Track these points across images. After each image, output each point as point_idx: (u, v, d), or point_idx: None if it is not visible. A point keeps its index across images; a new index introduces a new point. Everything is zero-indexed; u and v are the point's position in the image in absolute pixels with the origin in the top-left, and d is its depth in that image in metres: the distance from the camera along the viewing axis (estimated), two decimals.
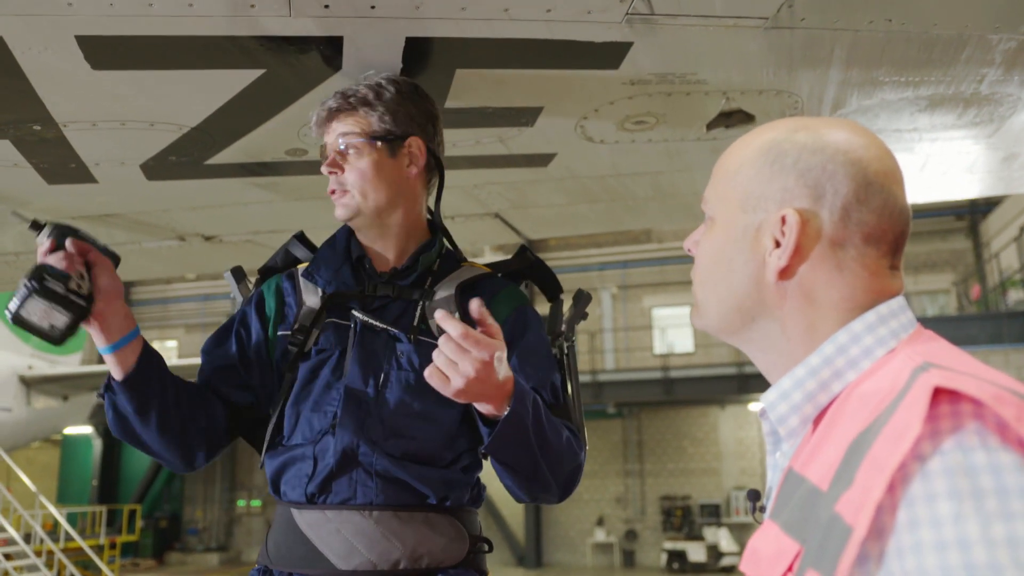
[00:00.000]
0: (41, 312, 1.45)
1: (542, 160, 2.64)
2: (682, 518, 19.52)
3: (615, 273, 21.52)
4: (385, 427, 1.67)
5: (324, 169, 1.76)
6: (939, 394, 0.74)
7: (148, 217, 2.85)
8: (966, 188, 3.52)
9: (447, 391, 1.40)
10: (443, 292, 1.80)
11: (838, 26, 1.96)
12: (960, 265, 19.42)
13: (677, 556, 18.26)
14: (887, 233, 0.93)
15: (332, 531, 1.64)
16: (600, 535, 19.80)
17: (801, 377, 0.93)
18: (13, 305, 1.45)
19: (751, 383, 17.87)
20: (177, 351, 23.59)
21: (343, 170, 1.75)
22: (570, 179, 2.86)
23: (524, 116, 2.27)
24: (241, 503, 22.17)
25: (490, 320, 1.42)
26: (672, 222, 3.46)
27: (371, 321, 1.73)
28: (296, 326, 1.78)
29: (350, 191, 1.75)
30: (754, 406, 19.60)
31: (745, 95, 2.28)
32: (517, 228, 3.42)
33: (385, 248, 1.82)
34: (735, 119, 2.45)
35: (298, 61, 1.87)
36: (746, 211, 0.98)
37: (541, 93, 2.16)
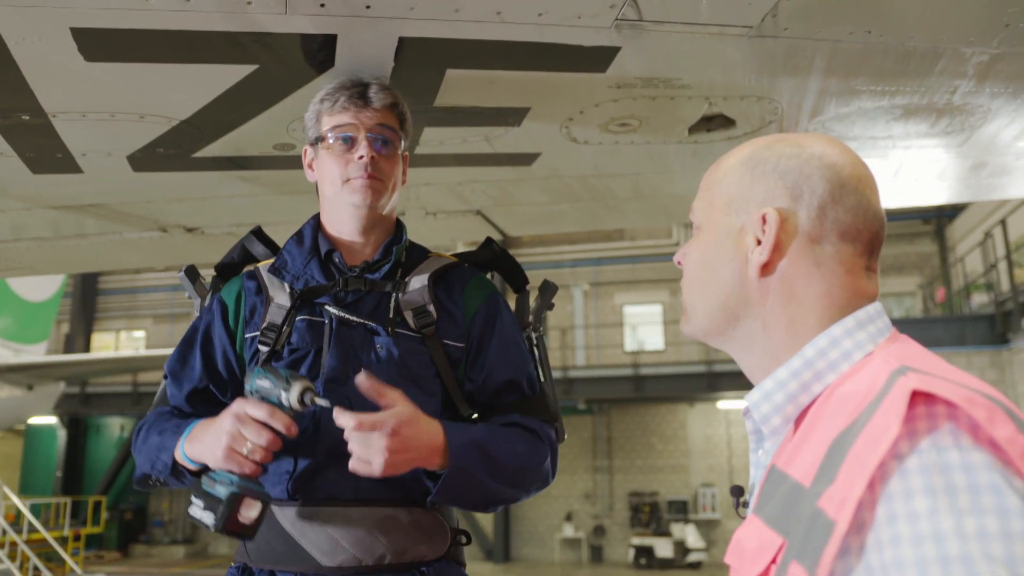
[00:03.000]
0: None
1: (526, 159, 2.68)
2: (650, 514, 19.68)
3: (587, 270, 21.62)
4: None
5: (365, 151, 1.73)
6: (916, 396, 0.79)
7: (131, 208, 2.84)
8: (936, 194, 3.62)
9: (375, 473, 1.47)
10: (416, 283, 1.81)
11: (819, 36, 2.01)
12: (926, 268, 19.77)
13: (644, 552, 18.42)
14: (862, 232, 1.00)
15: (316, 527, 1.63)
16: (568, 530, 19.91)
17: (783, 379, 0.98)
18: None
19: (720, 381, 18.06)
20: (145, 341, 23.35)
21: (382, 159, 1.76)
22: (553, 178, 2.90)
23: (511, 116, 2.31)
24: None
25: (385, 391, 1.51)
26: (650, 222, 3.52)
27: (347, 316, 1.72)
28: (265, 325, 1.75)
29: (383, 180, 1.77)
30: (723, 404, 19.82)
31: (727, 100, 2.33)
32: (498, 225, 3.45)
33: (366, 241, 1.81)
34: (716, 123, 2.51)
35: (291, 58, 1.89)
36: (729, 214, 1.05)
37: (529, 94, 2.20)
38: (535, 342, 2.02)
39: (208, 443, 1.56)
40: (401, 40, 1.86)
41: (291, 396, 1.51)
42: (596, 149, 2.62)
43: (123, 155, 2.35)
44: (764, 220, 1.00)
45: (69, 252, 3.41)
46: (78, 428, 22.59)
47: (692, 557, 18.18)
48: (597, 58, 2.00)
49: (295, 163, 2.52)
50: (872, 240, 1.01)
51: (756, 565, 0.89)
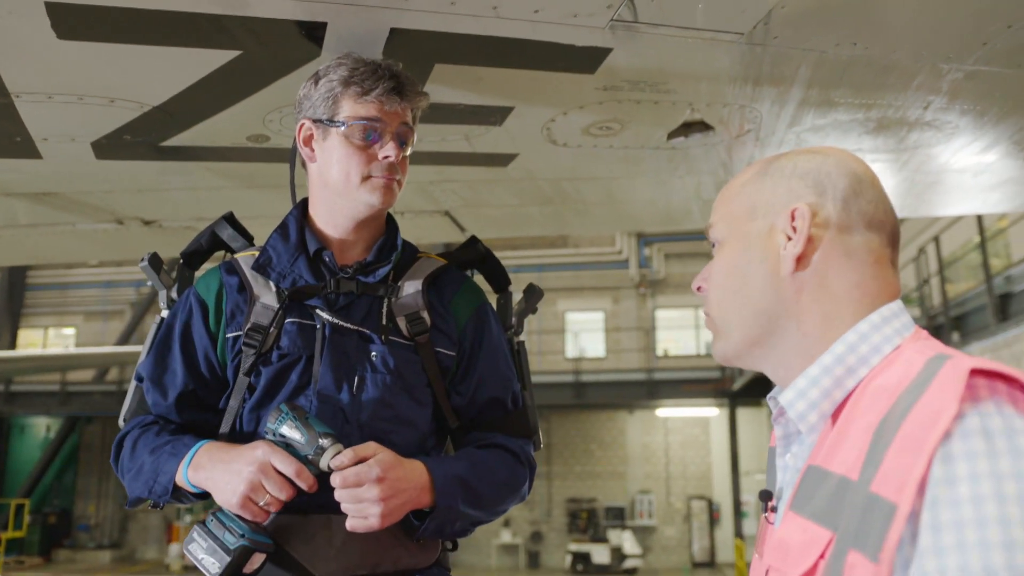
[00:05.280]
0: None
1: (503, 160, 2.64)
2: (587, 520, 19.80)
3: (530, 276, 21.33)
4: (363, 433, 1.59)
5: (393, 151, 1.62)
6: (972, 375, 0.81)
7: (89, 198, 2.72)
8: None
9: (375, 526, 1.45)
10: (409, 288, 1.73)
11: (807, 46, 2.03)
12: None
13: (581, 558, 18.49)
14: (884, 223, 1.03)
15: (307, 536, 1.57)
16: (506, 536, 19.88)
17: (815, 376, 0.99)
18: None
19: (660, 389, 18.29)
20: (75, 339, 22.60)
21: (402, 159, 1.67)
22: (527, 180, 2.87)
23: (494, 115, 2.27)
24: None
25: (360, 450, 1.48)
26: (617, 227, 3.53)
27: (341, 323, 1.64)
28: (250, 325, 1.63)
29: (400, 181, 1.68)
30: (661, 412, 20.04)
31: (710, 107, 2.34)
32: (464, 227, 3.41)
33: (357, 238, 1.72)
34: (694, 129, 2.51)
35: (277, 45, 1.82)
36: (755, 219, 1.07)
37: (515, 93, 2.17)
38: (516, 347, 1.98)
39: (220, 481, 1.48)
40: (392, 31, 1.81)
41: (323, 461, 1.47)
42: (574, 152, 2.61)
43: (87, 141, 2.24)
44: (794, 216, 1.02)
45: (14, 242, 3.25)
46: (1, 427, 21.72)
47: (628, 563, 18.32)
48: (588, 58, 1.98)
49: (267, 156, 2.44)
50: (893, 232, 1.04)
51: (803, 561, 0.89)
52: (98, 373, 19.64)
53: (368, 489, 1.44)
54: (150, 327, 1.85)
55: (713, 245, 1.13)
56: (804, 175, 1.04)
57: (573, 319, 21.50)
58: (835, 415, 0.97)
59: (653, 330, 20.85)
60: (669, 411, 20.01)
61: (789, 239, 1.02)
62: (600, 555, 18.43)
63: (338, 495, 1.45)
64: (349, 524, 1.46)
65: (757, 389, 16.03)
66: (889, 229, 1.03)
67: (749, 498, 18.42)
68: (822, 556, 0.86)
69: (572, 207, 3.25)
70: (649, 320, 20.95)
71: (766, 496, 1.08)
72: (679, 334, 21.09)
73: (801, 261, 1.01)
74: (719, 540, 19.55)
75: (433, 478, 1.55)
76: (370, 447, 1.49)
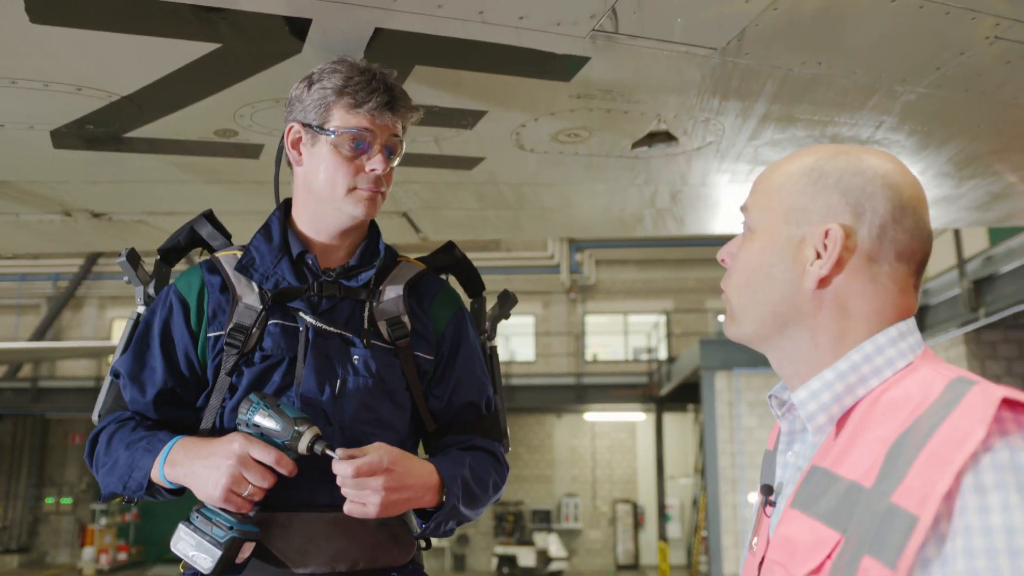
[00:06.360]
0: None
1: (469, 163, 2.65)
2: (514, 523, 19.84)
3: None
4: (345, 435, 1.60)
5: (380, 164, 1.61)
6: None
7: (39, 188, 2.62)
8: None
9: (371, 515, 1.47)
10: (391, 293, 1.74)
11: (775, 63, 2.10)
12: None
13: (507, 560, 18.51)
14: (916, 253, 1.03)
15: (287, 534, 1.57)
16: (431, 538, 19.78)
17: (830, 380, 1.02)
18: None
19: (588, 393, 18.47)
20: None
21: (389, 171, 1.66)
22: (489, 184, 2.88)
23: (467, 118, 2.28)
24: (49, 500, 20.55)
25: (369, 449, 1.49)
26: (571, 233, 3.56)
27: (324, 327, 1.65)
28: (232, 325, 1.63)
29: (385, 192, 1.67)
30: (589, 416, 20.24)
31: (677, 118, 2.39)
32: (421, 228, 3.41)
33: (341, 244, 1.72)
34: (658, 139, 2.57)
35: (258, 40, 1.80)
36: (789, 223, 1.06)
37: (490, 97, 2.18)
38: (489, 352, 2.01)
39: (200, 476, 1.48)
40: (377, 30, 1.81)
41: (301, 445, 1.47)
42: (540, 158, 2.63)
43: (47, 129, 2.17)
44: (827, 235, 1.01)
45: None
46: None
47: (554, 566, 18.42)
48: (565, 66, 2.01)
49: (233, 151, 2.40)
50: (923, 260, 1.05)
51: (811, 560, 0.92)
52: (10, 369, 18.82)
53: (374, 478, 1.45)
54: (114, 323, 1.82)
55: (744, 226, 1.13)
56: (847, 191, 1.02)
57: (504, 323, 21.43)
58: (842, 420, 1.00)
59: (583, 335, 21.06)
60: (597, 415, 20.23)
61: (818, 256, 1.02)
62: (526, 558, 18.49)
63: (341, 481, 1.46)
64: (346, 508, 1.47)
65: (684, 395, 16.33)
66: (919, 258, 1.03)
67: (673, 502, 18.75)
68: (829, 556, 0.89)
69: (530, 212, 3.28)
70: (579, 325, 21.14)
71: (767, 491, 1.11)
72: (608, 339, 21.35)
73: (825, 281, 1.02)
74: (643, 543, 19.84)
75: (443, 477, 1.58)
76: (375, 445, 1.51)
